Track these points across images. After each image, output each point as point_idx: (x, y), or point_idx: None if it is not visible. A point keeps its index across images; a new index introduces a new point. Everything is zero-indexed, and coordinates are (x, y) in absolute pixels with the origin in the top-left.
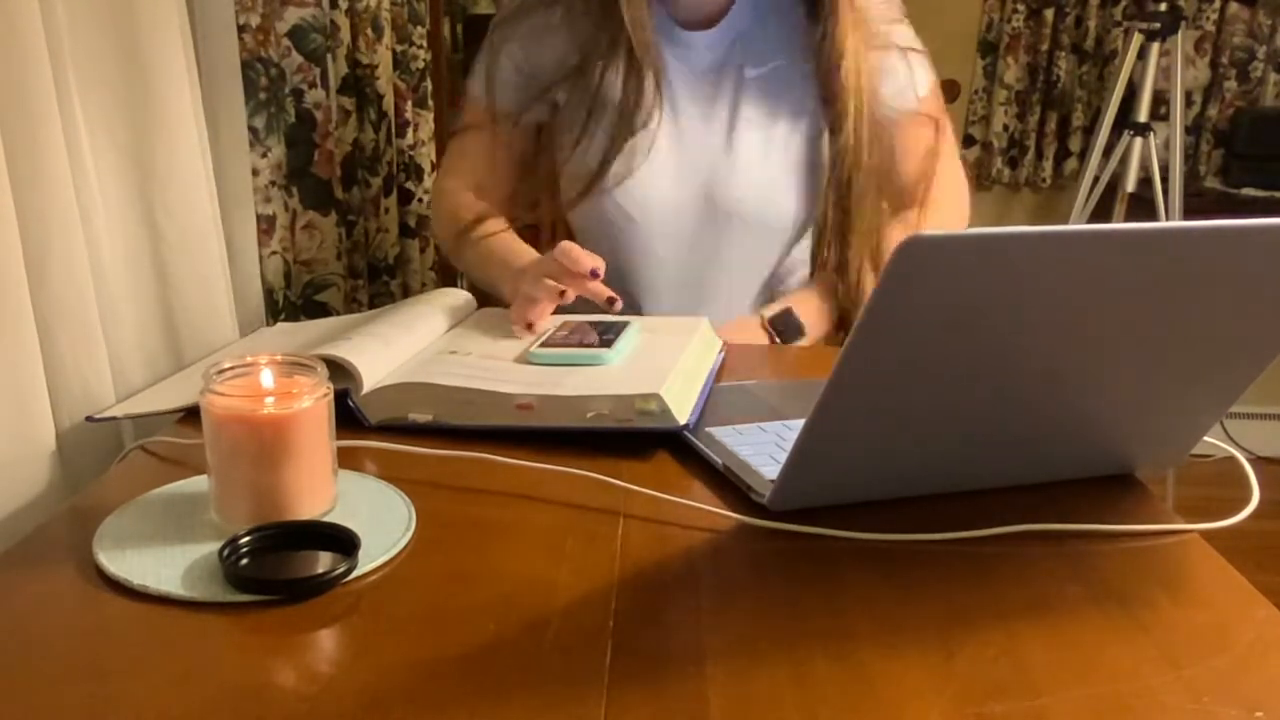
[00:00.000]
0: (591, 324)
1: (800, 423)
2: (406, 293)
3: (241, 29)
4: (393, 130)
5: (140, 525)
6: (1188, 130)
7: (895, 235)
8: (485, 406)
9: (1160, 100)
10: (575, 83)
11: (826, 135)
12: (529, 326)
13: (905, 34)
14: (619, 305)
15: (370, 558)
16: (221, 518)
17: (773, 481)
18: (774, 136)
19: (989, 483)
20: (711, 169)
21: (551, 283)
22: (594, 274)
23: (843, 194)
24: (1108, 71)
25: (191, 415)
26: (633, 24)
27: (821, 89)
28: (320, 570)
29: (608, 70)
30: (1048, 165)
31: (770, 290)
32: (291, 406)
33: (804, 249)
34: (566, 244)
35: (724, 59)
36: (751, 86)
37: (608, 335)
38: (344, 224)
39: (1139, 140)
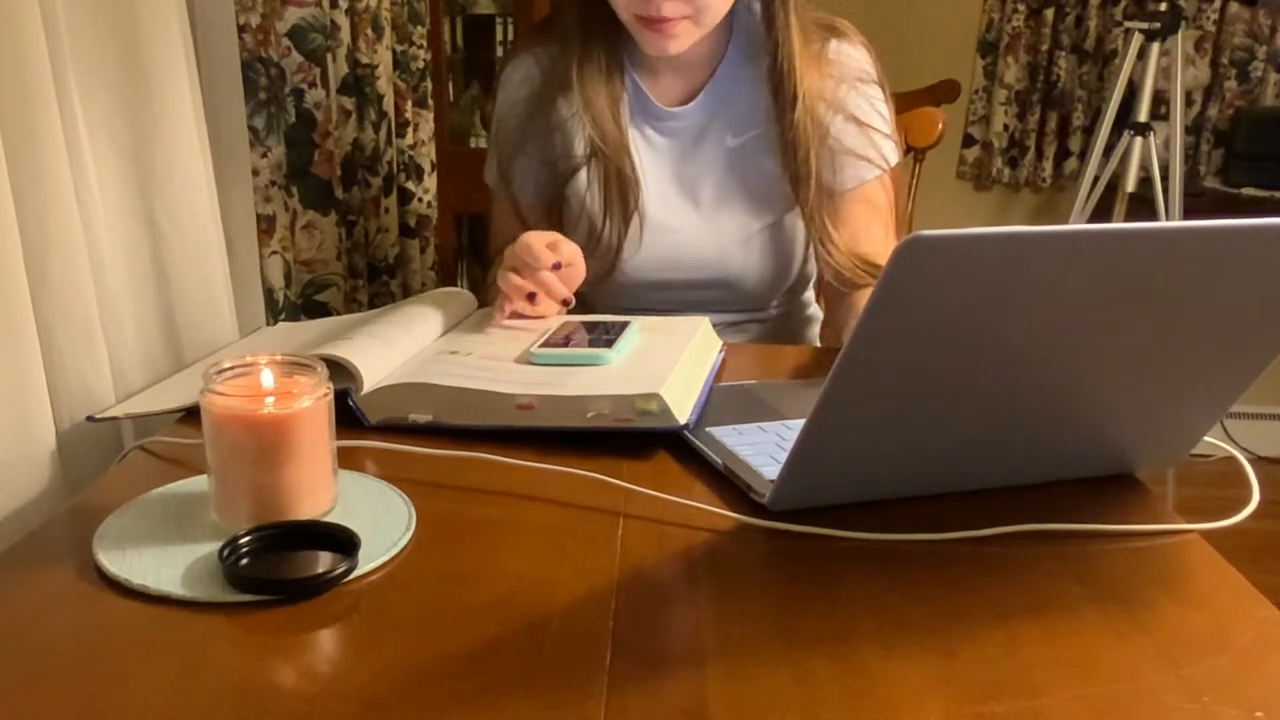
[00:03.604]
0: (592, 324)
1: (800, 423)
2: (406, 293)
3: (241, 29)
4: (393, 130)
5: (140, 525)
6: (1188, 130)
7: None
8: (485, 406)
9: (1160, 100)
10: (579, 168)
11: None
12: (500, 312)
13: (875, 95)
14: (572, 303)
15: (370, 558)
16: (221, 518)
17: (773, 481)
18: (753, 201)
19: (989, 483)
20: (698, 235)
21: (516, 280)
22: (555, 266)
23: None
24: (1108, 71)
25: (191, 415)
26: (596, 125)
27: (785, 161)
28: (320, 570)
29: (608, 162)
30: (1048, 165)
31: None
32: (291, 406)
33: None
34: (527, 237)
35: (705, 129)
36: (732, 154)
37: (608, 335)
38: (344, 224)
39: (1139, 140)
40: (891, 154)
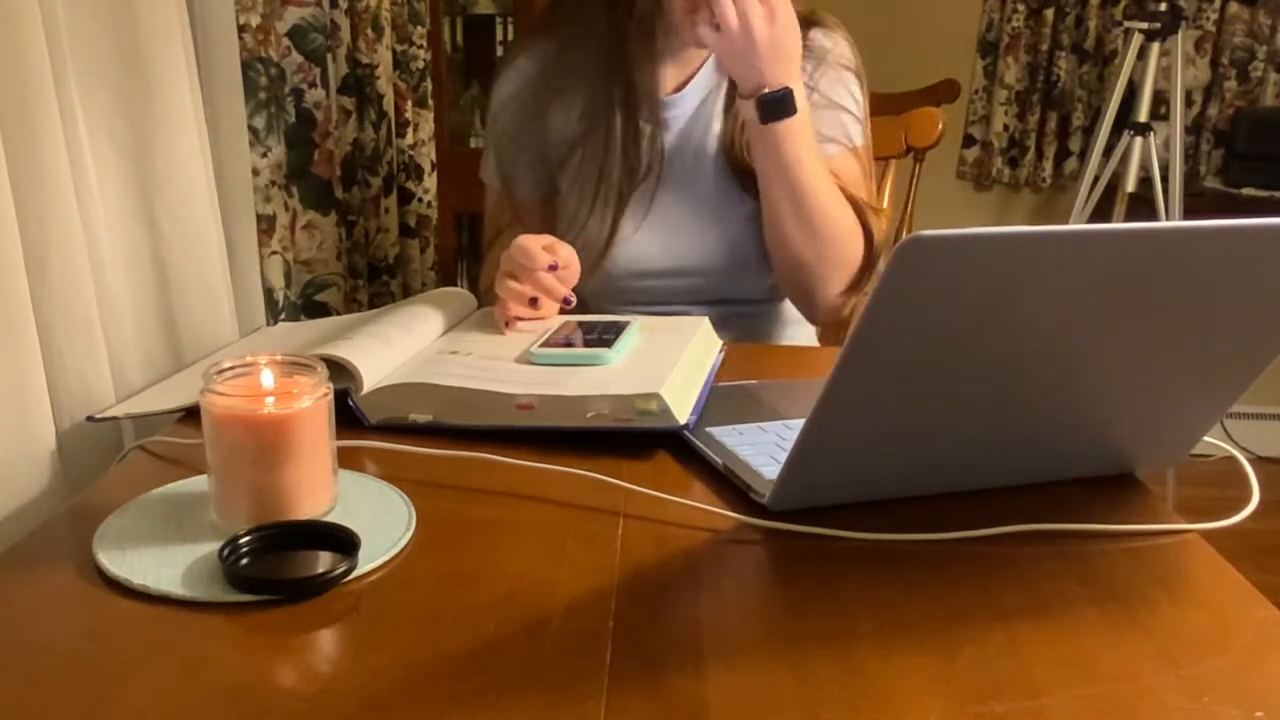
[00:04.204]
0: (592, 324)
1: (800, 423)
2: (406, 293)
3: (241, 29)
4: (393, 130)
5: (140, 525)
6: (1188, 130)
7: None
8: (485, 406)
9: (1160, 100)
10: (577, 156)
11: None
12: (508, 324)
13: (849, 80)
14: (573, 303)
15: (370, 558)
16: (221, 518)
17: (773, 481)
18: (744, 187)
19: (989, 483)
20: (690, 223)
21: (514, 285)
22: (552, 268)
23: None
24: (1108, 71)
25: (191, 415)
26: (643, 86)
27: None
28: (320, 570)
29: (609, 140)
30: (1048, 165)
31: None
32: (291, 406)
33: None
34: (522, 240)
35: (695, 117)
36: (721, 141)
37: (608, 335)
38: (344, 224)
39: (1139, 140)
40: (857, 135)
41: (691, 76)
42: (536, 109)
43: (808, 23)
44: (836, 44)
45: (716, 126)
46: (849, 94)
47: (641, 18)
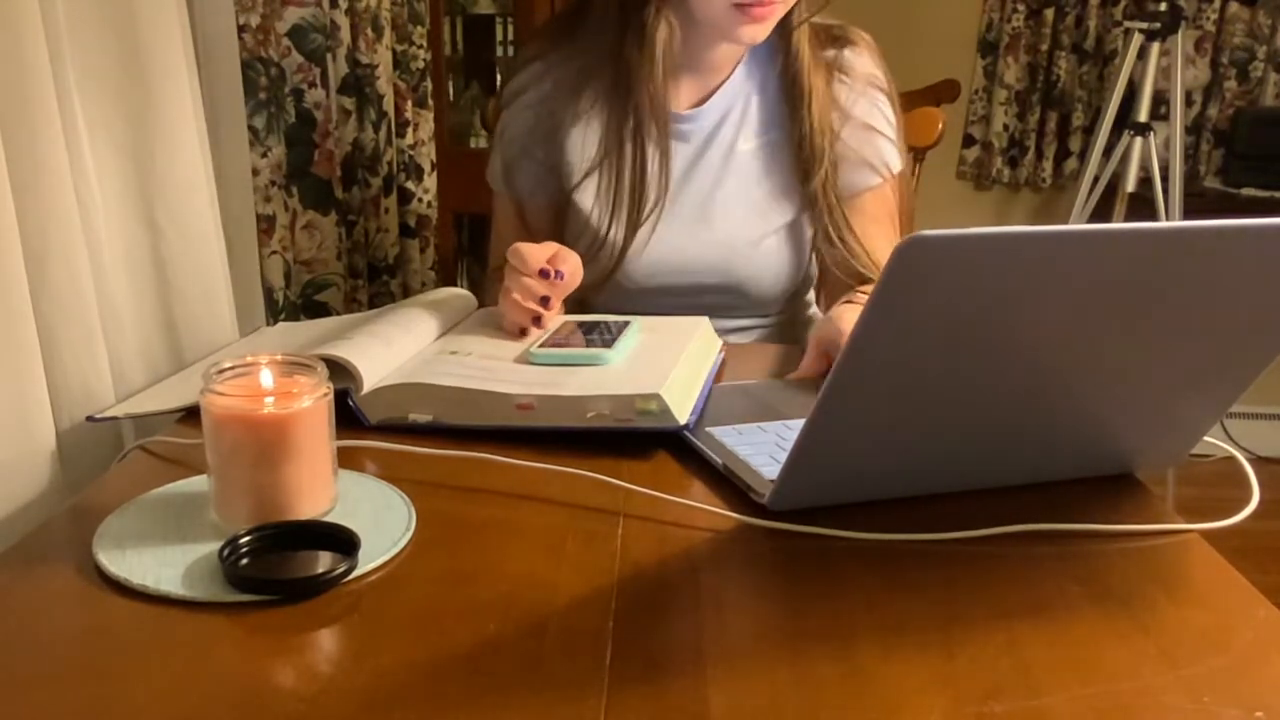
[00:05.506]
0: (592, 324)
1: (800, 423)
2: (406, 293)
3: (241, 29)
4: (393, 130)
5: (140, 525)
6: (1188, 130)
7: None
8: (485, 406)
9: (1160, 100)
10: (592, 180)
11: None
12: (522, 332)
13: (882, 102)
14: (554, 308)
15: (370, 558)
16: (221, 518)
17: (773, 481)
18: (763, 206)
19: (989, 482)
20: (707, 239)
21: (518, 300)
22: (543, 274)
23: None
24: (1108, 71)
25: (191, 415)
26: (654, 108)
27: (796, 164)
28: (320, 570)
29: (623, 159)
30: (1048, 165)
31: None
32: (291, 406)
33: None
34: (518, 246)
35: (715, 133)
36: (743, 158)
37: (608, 335)
38: (344, 224)
39: (1139, 140)
40: (894, 161)
41: (713, 92)
42: (552, 127)
43: (838, 40)
44: (865, 63)
45: (743, 144)
46: (882, 116)
47: (651, 38)
